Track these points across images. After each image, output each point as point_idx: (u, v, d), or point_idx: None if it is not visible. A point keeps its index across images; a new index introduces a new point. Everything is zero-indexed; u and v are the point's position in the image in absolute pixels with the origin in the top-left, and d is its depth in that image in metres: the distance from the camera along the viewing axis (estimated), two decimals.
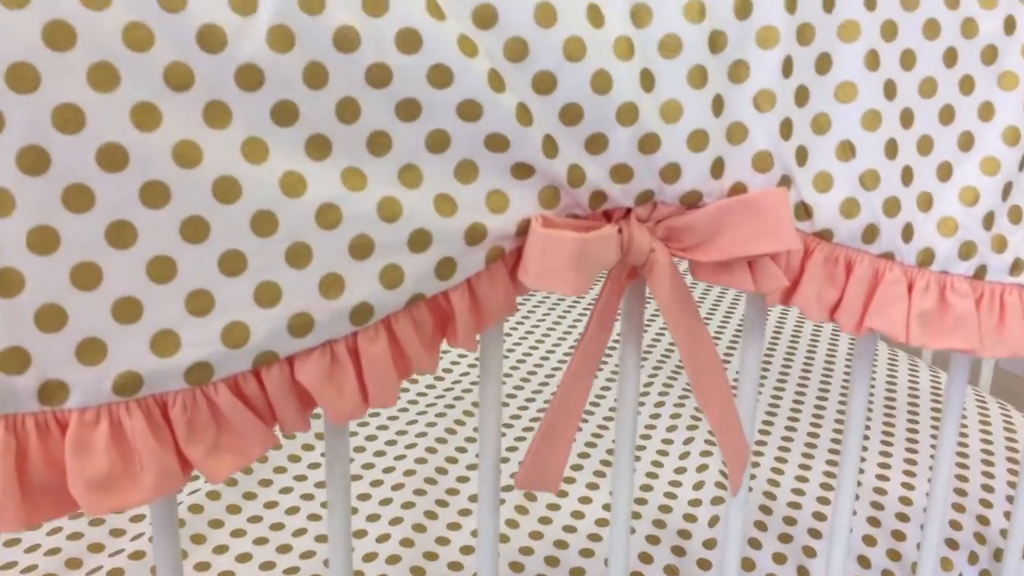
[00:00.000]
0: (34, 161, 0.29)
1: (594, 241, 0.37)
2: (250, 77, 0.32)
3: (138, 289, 0.32)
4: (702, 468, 0.70)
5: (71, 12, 0.29)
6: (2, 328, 0.30)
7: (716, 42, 0.38)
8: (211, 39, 0.31)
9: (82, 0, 0.29)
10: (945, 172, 0.44)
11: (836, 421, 0.78)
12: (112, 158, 0.30)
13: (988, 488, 0.71)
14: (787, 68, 0.40)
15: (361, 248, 0.35)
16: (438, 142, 0.36)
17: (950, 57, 0.43)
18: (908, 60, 0.42)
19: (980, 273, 0.45)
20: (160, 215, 0.31)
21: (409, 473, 0.68)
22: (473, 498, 0.65)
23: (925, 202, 0.44)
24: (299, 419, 0.36)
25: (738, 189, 0.40)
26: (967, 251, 0.44)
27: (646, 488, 0.67)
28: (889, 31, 0.41)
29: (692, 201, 0.40)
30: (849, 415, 0.50)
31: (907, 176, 0.43)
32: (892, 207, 0.43)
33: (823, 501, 0.67)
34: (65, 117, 0.29)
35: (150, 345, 0.32)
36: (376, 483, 0.67)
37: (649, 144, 0.38)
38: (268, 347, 0.34)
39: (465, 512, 0.64)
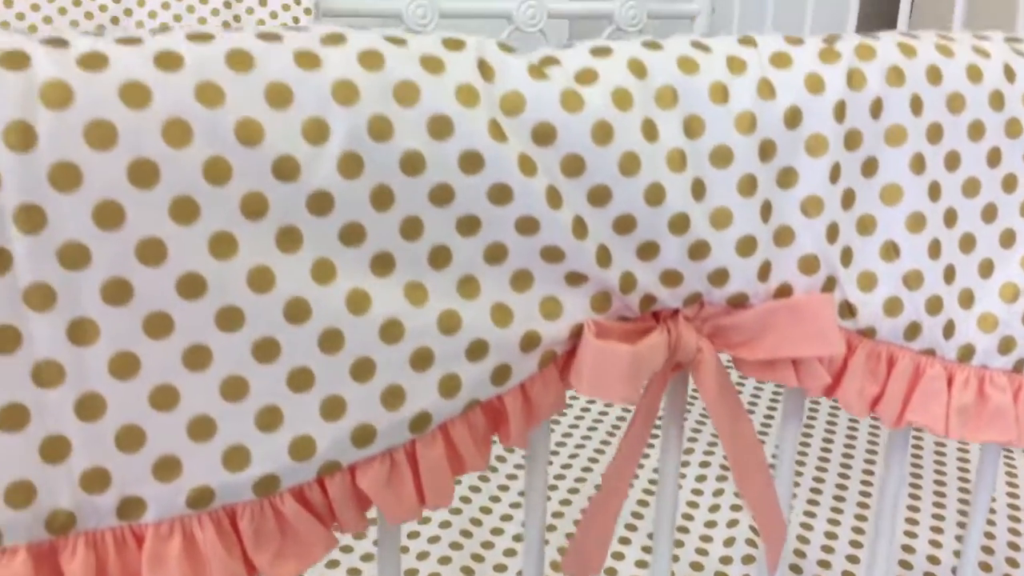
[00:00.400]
0: (118, 292, 0.30)
1: (645, 351, 0.38)
2: (321, 203, 0.33)
3: (212, 408, 0.33)
4: (732, 523, 0.71)
5: (155, 151, 0.30)
6: (85, 450, 0.31)
7: (766, 151, 0.39)
8: (286, 169, 0.32)
9: (165, 139, 0.30)
10: (986, 269, 0.45)
11: (864, 471, 0.79)
12: (191, 287, 0.31)
13: (1015, 546, 0.71)
14: (835, 174, 0.40)
15: (422, 360, 0.36)
16: (496, 254, 0.37)
17: (994, 157, 0.43)
18: (953, 161, 0.43)
19: (1019, 367, 0.45)
20: (234, 338, 0.32)
21: (445, 525, 0.69)
22: (509, 553, 0.67)
23: (966, 299, 0.44)
24: (358, 520, 0.37)
25: (784, 290, 0.41)
26: (1007, 346, 0.45)
27: (677, 544, 0.68)
28: (935, 134, 0.42)
29: (739, 302, 0.41)
30: (881, 501, 0.51)
31: (949, 274, 0.44)
32: (934, 306, 0.43)
33: (852, 560, 0.68)
34: (148, 251, 0.30)
35: (222, 460, 0.33)
36: (412, 535, 0.68)
37: (699, 251, 0.39)
38: (332, 457, 0.35)
39: (501, 568, 0.65)
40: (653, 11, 1.29)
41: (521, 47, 0.37)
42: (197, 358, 0.32)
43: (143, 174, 0.30)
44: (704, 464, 0.79)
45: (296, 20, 1.12)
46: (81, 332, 0.30)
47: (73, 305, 0.30)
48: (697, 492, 0.75)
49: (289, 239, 0.33)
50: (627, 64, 0.37)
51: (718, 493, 0.75)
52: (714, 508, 0.73)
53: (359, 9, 1.20)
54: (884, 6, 1.46)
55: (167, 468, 0.32)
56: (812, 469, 0.79)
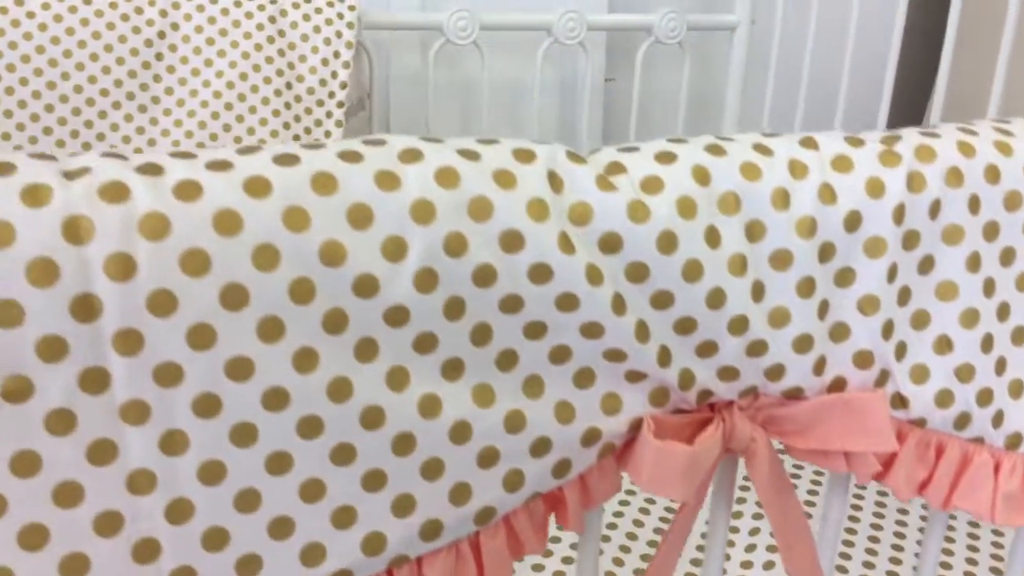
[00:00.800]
0: (208, 406, 0.32)
1: (703, 451, 0.39)
2: (397, 316, 0.34)
3: (291, 509, 0.34)
4: (769, 565, 0.72)
5: (245, 275, 0.31)
6: (173, 551, 0.33)
7: (825, 253, 0.40)
8: (366, 287, 0.33)
9: (255, 264, 0.32)
10: None
11: (895, 535, 0.80)
12: (275, 400, 0.33)
13: None
14: (892, 274, 0.41)
15: (488, 458, 0.37)
16: (560, 355, 0.38)
17: None
18: (1008, 257, 0.43)
19: None
20: (314, 444, 0.34)
21: None
22: None
23: (1016, 389, 0.45)
24: None
25: (838, 383, 0.42)
26: None
27: None
28: (991, 232, 0.43)
29: (793, 395, 0.42)
30: None
31: (1000, 366, 0.44)
32: (985, 398, 0.44)
33: None
34: (237, 368, 0.32)
35: (299, 557, 0.35)
36: None
37: (757, 349, 0.40)
38: (401, 551, 0.37)
39: None
40: (693, 23, 1.29)
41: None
42: (279, 464, 0.34)
43: (234, 298, 0.31)
44: (740, 500, 0.80)
45: (339, 34, 1.13)
46: (172, 443, 0.32)
47: (166, 419, 0.32)
48: (734, 530, 0.76)
49: (367, 350, 0.34)
50: (691, 171, 0.38)
51: (754, 532, 0.76)
52: (750, 548, 0.74)
53: (401, 22, 1.21)
54: (927, 32, 1.44)
55: (249, 565, 0.34)
56: (842, 532, 0.80)
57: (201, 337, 0.31)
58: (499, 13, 1.20)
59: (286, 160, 0.33)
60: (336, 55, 1.12)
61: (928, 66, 1.42)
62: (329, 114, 1.13)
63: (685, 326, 0.39)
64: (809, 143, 0.40)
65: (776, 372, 0.41)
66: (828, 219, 0.39)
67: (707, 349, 0.40)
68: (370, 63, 1.17)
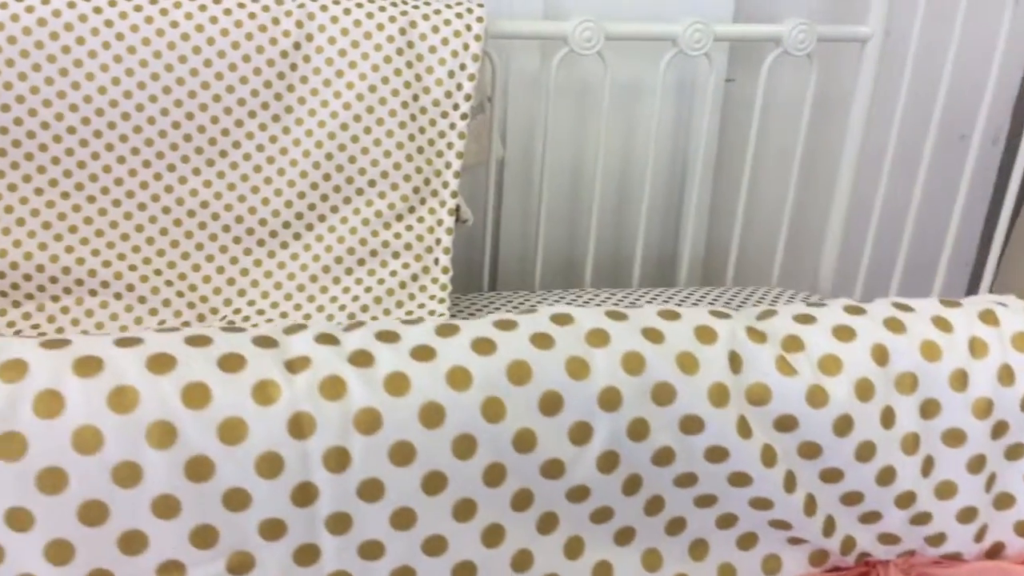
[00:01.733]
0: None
1: None
2: (579, 493, 0.36)
3: None
4: None
5: (445, 463, 0.33)
6: None
7: (998, 431, 0.40)
8: (552, 469, 0.35)
9: (454, 452, 0.33)
10: None
11: None
12: (465, 571, 0.35)
13: None
14: None
15: None
16: (727, 522, 0.39)
17: None
18: None
19: None
20: None
21: None
22: None
23: None
24: None
25: (996, 548, 0.42)
26: None
27: None
28: None
29: (951, 557, 0.42)
30: None
31: None
32: None
33: None
34: (433, 545, 0.34)
35: None
36: None
37: (921, 519, 0.40)
38: None
39: None
40: (823, 35, 1.25)
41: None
42: None
43: (434, 484, 0.34)
44: None
45: (467, 47, 1.13)
46: None
47: None
48: None
49: (548, 523, 0.36)
50: (870, 351, 0.38)
51: None
52: None
53: (526, 32, 1.20)
54: None
55: None
56: None
57: (403, 519, 0.34)
58: (624, 23, 1.18)
59: (483, 347, 0.34)
60: (462, 67, 1.12)
61: None
62: (452, 126, 1.14)
63: (852, 499, 0.39)
64: (989, 319, 0.40)
65: (937, 539, 0.41)
66: (1005, 400, 0.39)
67: (871, 518, 0.40)
68: (492, 68, 1.17)
